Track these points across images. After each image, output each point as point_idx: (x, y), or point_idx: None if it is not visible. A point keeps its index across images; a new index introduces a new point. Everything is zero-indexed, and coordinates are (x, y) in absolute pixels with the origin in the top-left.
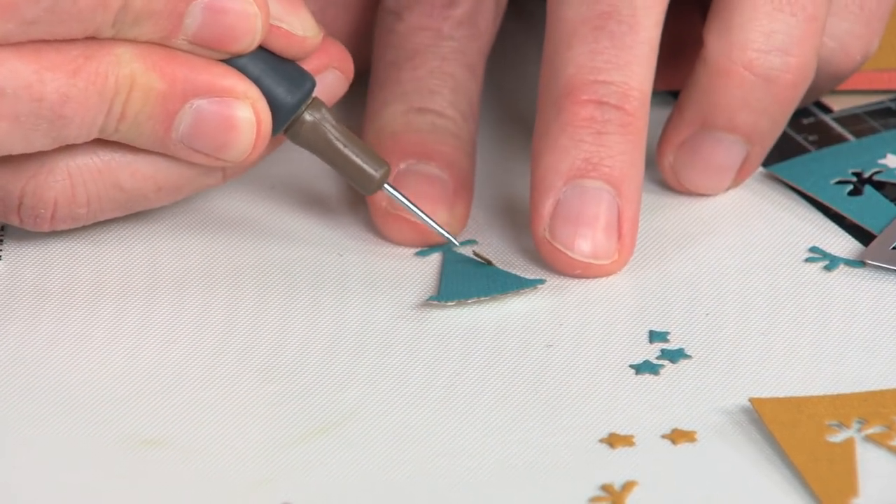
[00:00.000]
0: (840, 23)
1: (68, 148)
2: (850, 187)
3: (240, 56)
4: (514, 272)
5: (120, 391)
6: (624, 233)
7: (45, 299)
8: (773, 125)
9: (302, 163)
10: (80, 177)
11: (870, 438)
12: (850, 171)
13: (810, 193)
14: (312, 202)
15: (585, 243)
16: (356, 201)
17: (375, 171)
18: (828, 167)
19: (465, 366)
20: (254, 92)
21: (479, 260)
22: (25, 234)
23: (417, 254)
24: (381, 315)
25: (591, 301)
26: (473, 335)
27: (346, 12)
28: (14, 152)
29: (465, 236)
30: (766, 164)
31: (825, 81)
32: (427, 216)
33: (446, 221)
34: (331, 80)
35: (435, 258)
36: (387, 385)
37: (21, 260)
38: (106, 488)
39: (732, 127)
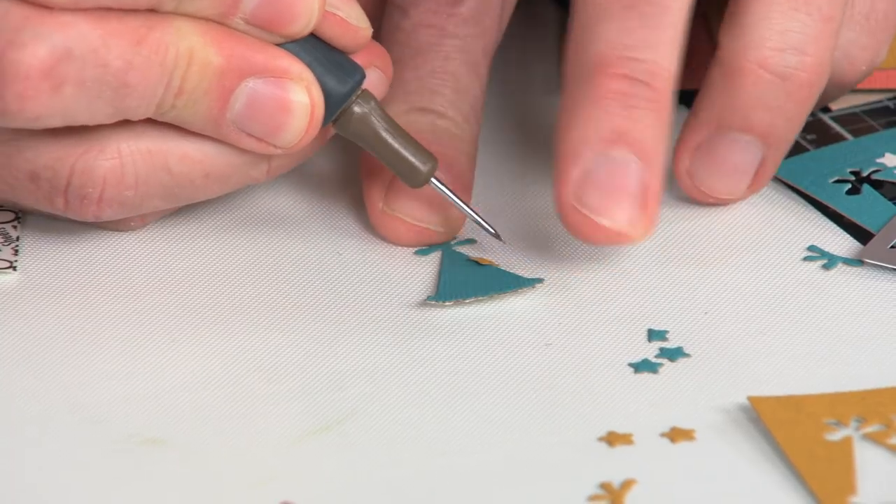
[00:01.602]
0: (846, 32)
1: (120, 128)
2: (849, 186)
3: (293, 41)
4: (513, 271)
5: (120, 391)
6: (649, 205)
7: (48, 300)
8: (789, 125)
9: (303, 161)
10: (130, 157)
11: (868, 437)
12: (849, 169)
13: (809, 192)
14: (313, 201)
15: (616, 211)
16: (356, 200)
17: (423, 164)
18: (826, 166)
19: (463, 364)
20: (308, 75)
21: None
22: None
23: (417, 253)
24: (380, 314)
25: (589, 300)
26: (472, 334)
27: None
28: (77, 122)
29: (464, 236)
30: None
31: (829, 90)
32: (472, 210)
33: (445, 221)
34: (374, 78)
35: (435, 257)
36: (386, 384)
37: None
38: (106, 488)
39: (748, 127)
